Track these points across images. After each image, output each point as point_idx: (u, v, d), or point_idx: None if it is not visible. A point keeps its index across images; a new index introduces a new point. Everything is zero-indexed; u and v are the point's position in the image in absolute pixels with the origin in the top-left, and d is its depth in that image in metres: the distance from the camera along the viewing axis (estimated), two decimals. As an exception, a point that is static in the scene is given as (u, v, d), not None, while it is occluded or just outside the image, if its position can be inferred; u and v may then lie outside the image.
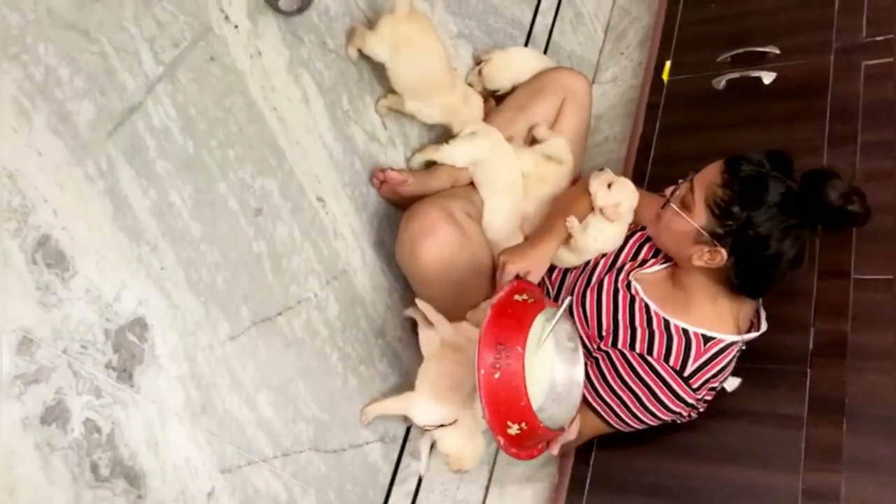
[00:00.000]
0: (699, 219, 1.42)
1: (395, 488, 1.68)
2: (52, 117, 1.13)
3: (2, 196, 1.07)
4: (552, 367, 1.29)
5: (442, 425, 1.52)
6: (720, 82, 2.07)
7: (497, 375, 1.21)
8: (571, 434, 1.35)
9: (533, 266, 1.54)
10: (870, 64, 1.91)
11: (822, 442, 1.48)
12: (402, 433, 1.72)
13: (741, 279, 1.42)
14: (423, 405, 1.54)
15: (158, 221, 1.26)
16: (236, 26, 1.39)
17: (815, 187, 1.37)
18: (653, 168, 2.05)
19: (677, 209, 1.46)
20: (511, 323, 1.25)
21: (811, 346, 1.57)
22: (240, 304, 1.39)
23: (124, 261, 1.21)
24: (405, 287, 1.68)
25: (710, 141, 2.05)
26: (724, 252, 1.40)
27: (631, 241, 1.63)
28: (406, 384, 1.74)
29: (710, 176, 1.43)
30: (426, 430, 1.57)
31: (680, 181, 1.55)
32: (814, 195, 1.36)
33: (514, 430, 1.24)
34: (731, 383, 1.54)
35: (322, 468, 1.52)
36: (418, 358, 1.77)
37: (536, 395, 1.24)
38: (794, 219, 1.36)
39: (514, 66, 1.92)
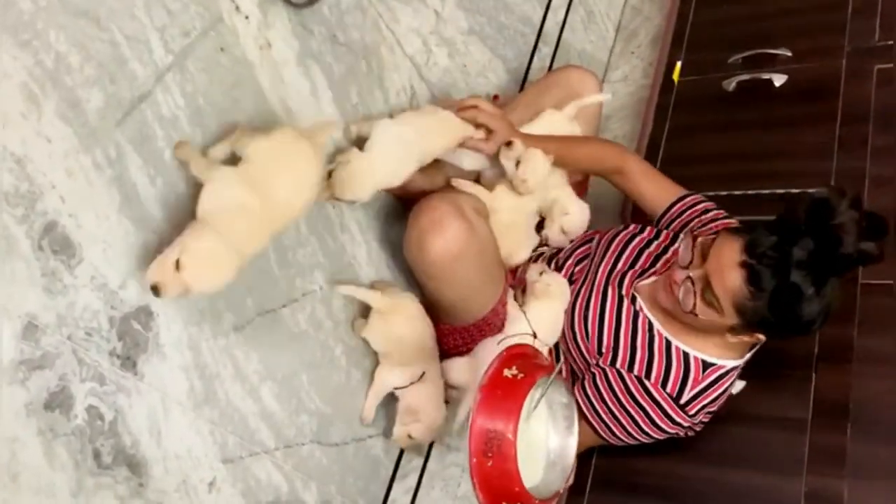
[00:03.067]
0: (730, 318, 1.36)
1: (396, 483, 1.68)
2: (62, 104, 1.13)
3: (10, 182, 1.07)
4: (546, 437, 1.31)
5: (412, 383, 1.58)
6: (731, 84, 2.06)
7: (490, 463, 1.21)
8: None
9: (502, 131, 1.58)
10: (882, 68, 1.91)
11: (826, 446, 1.48)
12: (404, 428, 1.72)
13: (774, 337, 1.41)
14: (393, 372, 1.58)
15: (165, 210, 1.26)
16: (247, 17, 1.38)
17: (831, 242, 1.29)
18: (661, 169, 2.04)
19: (703, 307, 1.38)
20: (501, 406, 1.24)
21: (817, 350, 1.56)
22: (245, 295, 1.38)
23: (131, 249, 1.21)
24: (410, 282, 1.67)
25: (719, 142, 2.05)
26: (761, 336, 1.39)
27: (630, 246, 1.61)
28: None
29: (729, 280, 1.33)
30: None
31: (678, 244, 1.50)
32: (832, 252, 1.29)
33: None
34: (737, 386, 1.53)
35: (324, 461, 1.52)
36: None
37: (531, 474, 1.25)
38: (822, 284, 1.30)
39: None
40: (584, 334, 1.55)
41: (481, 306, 1.61)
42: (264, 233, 1.23)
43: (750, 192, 1.92)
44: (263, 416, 1.41)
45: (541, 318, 1.61)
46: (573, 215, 1.73)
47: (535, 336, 1.61)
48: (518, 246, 1.70)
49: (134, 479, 1.20)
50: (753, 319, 1.35)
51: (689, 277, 1.38)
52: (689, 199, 1.66)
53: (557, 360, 1.64)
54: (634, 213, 1.91)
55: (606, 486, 1.61)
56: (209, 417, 1.31)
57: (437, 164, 1.75)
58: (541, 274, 1.62)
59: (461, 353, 1.67)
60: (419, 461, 1.72)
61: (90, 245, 1.16)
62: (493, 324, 1.64)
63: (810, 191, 1.35)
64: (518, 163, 1.59)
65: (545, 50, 2.19)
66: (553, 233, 1.75)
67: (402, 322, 1.58)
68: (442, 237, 1.46)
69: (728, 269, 1.32)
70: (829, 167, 1.83)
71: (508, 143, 1.60)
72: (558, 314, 1.62)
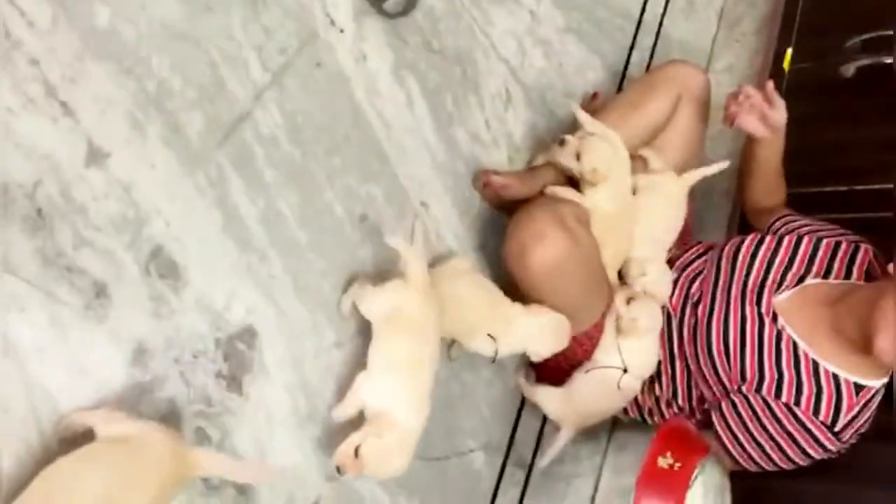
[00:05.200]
0: None
1: (498, 497, 1.65)
2: (164, 129, 1.14)
3: (117, 209, 1.09)
4: None
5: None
6: (849, 69, 1.91)
7: None
8: None
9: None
10: None
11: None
12: (505, 442, 1.68)
13: None
14: (373, 385, 1.30)
15: (267, 230, 1.26)
16: (342, 30, 1.37)
17: None
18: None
19: None
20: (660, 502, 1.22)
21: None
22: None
23: (234, 270, 1.22)
24: (508, 290, 1.63)
25: (838, 133, 1.91)
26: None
27: (759, 259, 1.53)
28: (508, 393, 1.70)
29: None
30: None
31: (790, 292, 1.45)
32: None
33: None
34: None
35: (425, 475, 1.50)
36: (521, 366, 1.73)
37: None
38: None
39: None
40: (725, 361, 1.46)
41: (582, 321, 1.55)
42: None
43: (873, 186, 1.78)
44: (365, 433, 1.40)
45: (632, 351, 1.55)
46: (651, 276, 1.59)
47: (625, 371, 1.55)
48: (631, 235, 1.61)
49: (241, 499, 1.21)
50: None
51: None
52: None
53: (673, 381, 1.57)
54: (742, 225, 1.82)
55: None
56: (313, 436, 1.31)
57: (533, 169, 1.70)
58: (628, 302, 1.54)
59: (557, 370, 1.62)
60: (521, 475, 1.68)
61: (195, 268, 1.17)
62: (595, 339, 1.58)
63: None
64: (578, 156, 1.52)
65: (645, 43, 2.10)
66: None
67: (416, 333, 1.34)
68: (544, 249, 1.41)
69: None
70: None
71: (561, 142, 1.54)
72: (650, 349, 1.56)
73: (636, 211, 1.62)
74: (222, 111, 1.21)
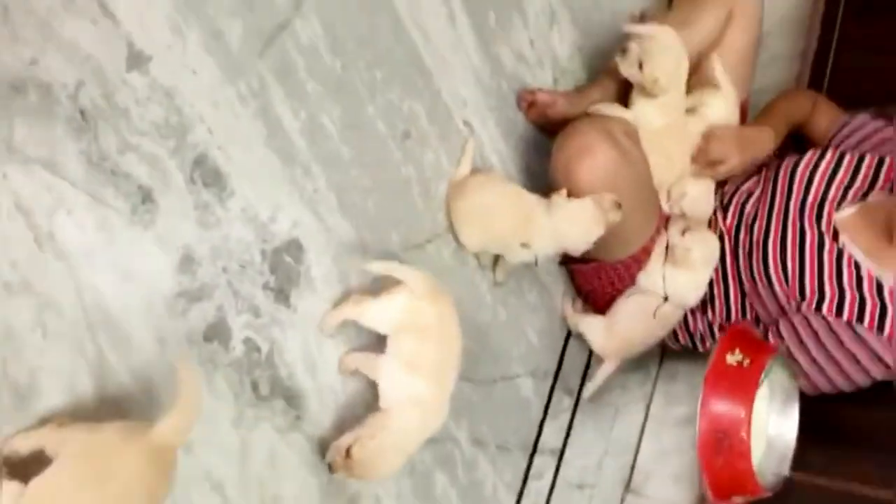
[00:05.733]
0: None
1: (547, 422, 1.63)
2: (205, 35, 1.12)
3: (160, 114, 1.07)
4: (766, 421, 1.23)
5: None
6: (914, -18, 1.82)
7: (721, 461, 1.18)
8: None
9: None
10: None
11: None
12: (553, 369, 1.66)
13: None
14: (393, 375, 1.22)
15: (310, 144, 1.24)
16: (382, -61, 1.33)
17: None
18: (829, 88, 1.85)
19: None
20: (730, 400, 1.19)
21: None
22: (390, 229, 1.35)
23: (278, 183, 1.20)
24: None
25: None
26: None
27: (818, 176, 1.47)
28: (555, 320, 1.67)
29: None
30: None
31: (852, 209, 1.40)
32: None
33: (738, 500, 1.23)
34: None
35: (474, 398, 1.48)
36: (568, 292, 1.70)
37: (756, 459, 1.20)
38: None
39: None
40: (783, 279, 1.41)
41: (629, 242, 1.52)
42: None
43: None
44: (412, 353, 1.38)
45: (676, 282, 1.51)
46: (692, 196, 1.54)
47: (665, 299, 1.51)
48: (683, 155, 1.56)
49: (291, 411, 1.20)
50: None
51: None
52: (858, 119, 1.57)
53: (727, 303, 1.53)
54: (796, 140, 1.75)
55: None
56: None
57: (580, 89, 1.66)
58: (683, 233, 1.49)
59: (603, 295, 1.59)
60: (569, 401, 1.66)
61: (239, 178, 1.15)
62: (643, 263, 1.54)
63: None
64: (641, 64, 1.46)
65: (692, -35, 2.01)
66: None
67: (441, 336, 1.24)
68: (591, 163, 1.37)
69: None
70: None
71: (623, 50, 1.48)
72: (698, 283, 1.51)
73: (686, 131, 1.57)
74: (262, 19, 1.18)
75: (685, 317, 1.58)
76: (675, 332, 1.60)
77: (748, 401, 1.17)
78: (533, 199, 1.40)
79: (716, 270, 1.54)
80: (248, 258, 1.16)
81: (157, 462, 0.90)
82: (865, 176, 1.45)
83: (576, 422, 1.65)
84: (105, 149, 1.02)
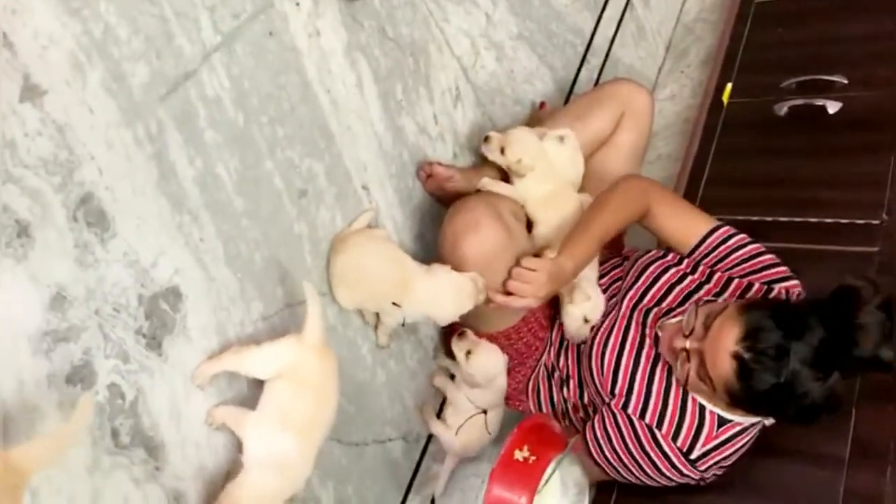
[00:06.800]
0: (723, 400, 1.31)
1: (412, 490, 1.64)
2: (107, 76, 1.12)
3: (49, 149, 1.06)
4: None
5: None
6: (782, 108, 2.01)
7: None
8: None
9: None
10: (942, 99, 1.85)
11: (863, 488, 1.41)
12: (425, 434, 1.68)
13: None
14: (260, 433, 1.21)
15: (202, 192, 1.24)
16: (297, 3, 1.37)
17: (845, 340, 1.24)
18: (705, 190, 2.00)
19: (696, 382, 1.32)
20: (513, 492, 1.28)
21: (858, 385, 1.50)
22: (276, 284, 1.36)
23: (164, 228, 1.20)
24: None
25: (767, 167, 2.00)
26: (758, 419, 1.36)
27: (663, 279, 1.52)
28: (432, 389, 1.69)
29: (722, 367, 1.26)
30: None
31: (680, 311, 1.44)
32: (843, 351, 1.24)
33: None
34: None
35: (343, 460, 1.48)
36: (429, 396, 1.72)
37: None
38: (825, 379, 1.24)
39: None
40: (600, 370, 1.48)
41: (509, 315, 1.57)
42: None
43: (796, 219, 1.86)
44: (285, 410, 1.38)
45: (481, 398, 1.60)
46: (594, 301, 1.55)
47: (485, 412, 1.61)
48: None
49: (150, 461, 1.17)
50: (747, 408, 1.31)
51: (685, 350, 1.32)
52: (720, 231, 1.51)
53: (579, 384, 1.59)
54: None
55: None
56: (231, 405, 1.28)
57: (477, 167, 1.72)
58: (467, 357, 1.55)
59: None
60: (438, 467, 1.68)
61: (125, 220, 1.14)
62: (521, 333, 1.60)
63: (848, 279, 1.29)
64: (503, 149, 1.55)
65: (593, 62, 2.16)
66: (572, 320, 1.55)
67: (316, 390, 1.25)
68: (477, 238, 1.42)
69: (723, 355, 1.25)
70: (882, 198, 1.77)
71: (486, 139, 1.57)
72: (495, 389, 1.60)
73: (571, 194, 1.64)
74: (168, 66, 1.19)
75: (549, 391, 1.63)
76: (539, 406, 1.65)
77: (530, 494, 1.26)
78: (413, 264, 1.44)
79: (572, 352, 1.60)
80: (123, 302, 1.14)
81: (5, 480, 0.89)
82: (707, 292, 1.49)
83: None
84: (-16, 178, 1.00)
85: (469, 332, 1.57)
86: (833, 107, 1.95)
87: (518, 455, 1.29)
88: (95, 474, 1.11)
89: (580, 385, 1.58)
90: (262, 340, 1.32)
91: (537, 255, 1.51)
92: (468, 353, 1.55)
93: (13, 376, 1.02)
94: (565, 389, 1.60)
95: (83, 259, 1.10)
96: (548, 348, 1.65)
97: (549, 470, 1.29)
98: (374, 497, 1.56)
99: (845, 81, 1.99)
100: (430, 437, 1.69)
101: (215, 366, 1.23)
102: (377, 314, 1.51)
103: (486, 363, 1.56)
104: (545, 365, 1.65)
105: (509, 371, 1.63)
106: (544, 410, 1.64)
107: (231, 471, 1.26)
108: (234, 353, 1.24)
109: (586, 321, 1.54)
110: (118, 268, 1.14)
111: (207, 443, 1.25)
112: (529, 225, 1.60)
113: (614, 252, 1.71)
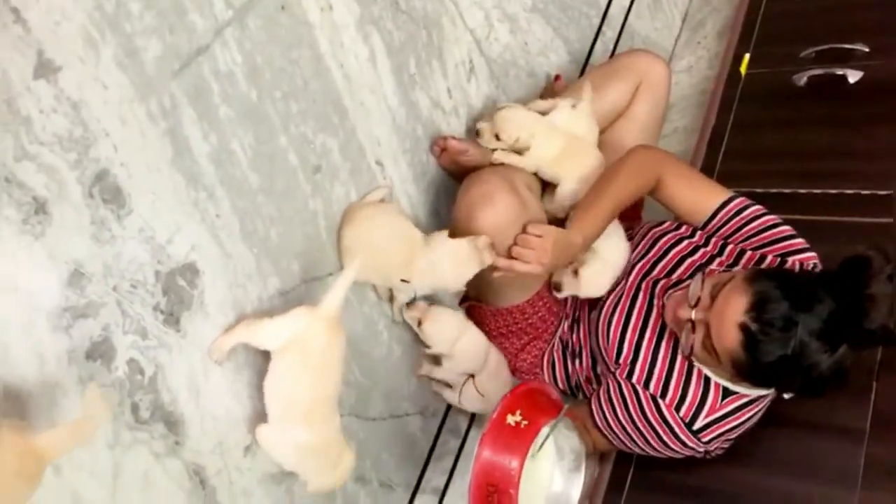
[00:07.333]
0: (728, 371, 1.29)
1: (431, 463, 1.65)
2: (120, 51, 1.11)
3: (64, 126, 1.05)
4: (550, 479, 1.31)
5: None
6: (801, 78, 1.98)
7: None
8: None
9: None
10: (963, 66, 1.81)
11: (884, 460, 1.40)
12: (442, 408, 1.69)
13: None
14: (273, 437, 1.25)
15: (217, 168, 1.24)
16: (310, -23, 1.36)
17: (855, 311, 1.21)
18: (723, 163, 1.97)
19: (703, 353, 1.31)
20: (504, 456, 1.26)
21: (879, 356, 1.49)
22: (292, 260, 1.36)
23: (180, 204, 1.20)
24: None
25: (785, 138, 1.97)
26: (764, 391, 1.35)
27: (674, 251, 1.51)
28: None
29: (728, 339, 1.23)
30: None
31: (688, 283, 1.39)
32: (853, 323, 1.21)
33: None
34: None
35: (360, 434, 1.49)
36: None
37: None
38: (833, 351, 1.21)
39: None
40: (606, 339, 1.47)
41: (524, 288, 1.57)
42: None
43: (816, 190, 1.84)
44: (302, 385, 1.38)
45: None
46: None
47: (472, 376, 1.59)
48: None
49: (170, 436, 1.18)
50: (753, 380, 1.29)
51: (690, 320, 1.30)
52: (734, 203, 1.48)
53: (591, 356, 1.59)
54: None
55: (646, 482, 1.55)
56: (249, 381, 1.29)
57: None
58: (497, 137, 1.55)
59: (496, 337, 1.63)
60: (456, 442, 1.69)
61: (140, 196, 1.14)
62: (537, 307, 1.59)
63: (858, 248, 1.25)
64: (497, 135, 1.54)
65: (609, 34, 2.13)
66: (568, 279, 1.52)
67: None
68: (492, 209, 1.42)
69: (729, 325, 1.23)
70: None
71: (477, 133, 1.57)
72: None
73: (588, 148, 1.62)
74: (181, 41, 1.19)
75: (564, 364, 1.63)
76: (555, 379, 1.65)
77: (520, 459, 1.25)
78: (418, 236, 1.42)
79: (582, 320, 1.60)
80: (140, 278, 1.15)
81: (25, 465, 0.89)
82: (720, 264, 1.47)
83: (460, 463, 1.67)
84: (1, 155, 1.00)
85: (420, 302, 1.52)
86: (854, 76, 1.92)
87: (510, 419, 1.28)
88: (116, 449, 1.12)
89: (592, 356, 1.57)
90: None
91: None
92: (419, 322, 1.52)
93: (34, 353, 1.03)
94: (577, 362, 1.60)
95: (100, 236, 1.10)
96: (562, 322, 1.64)
97: (542, 434, 1.27)
98: (392, 471, 1.57)
99: (866, 50, 1.95)
100: (447, 411, 1.69)
101: (229, 339, 1.24)
102: (390, 289, 1.51)
103: (440, 328, 1.51)
104: (560, 338, 1.64)
105: (524, 346, 1.63)
106: (560, 384, 1.64)
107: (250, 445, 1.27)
108: (246, 325, 1.24)
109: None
110: (134, 244, 1.14)
111: (226, 417, 1.26)
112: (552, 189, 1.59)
113: (631, 224, 1.70)
